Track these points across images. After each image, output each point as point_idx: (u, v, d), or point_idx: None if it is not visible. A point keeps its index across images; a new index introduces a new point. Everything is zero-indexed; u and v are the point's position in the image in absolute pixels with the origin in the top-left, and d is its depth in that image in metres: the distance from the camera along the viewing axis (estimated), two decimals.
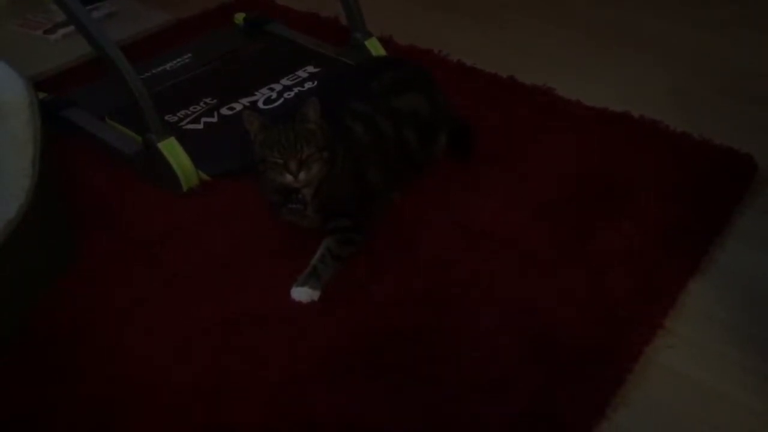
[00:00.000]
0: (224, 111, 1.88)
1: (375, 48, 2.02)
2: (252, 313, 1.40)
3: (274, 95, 1.93)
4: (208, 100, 1.92)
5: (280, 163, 1.44)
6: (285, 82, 1.98)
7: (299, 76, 2.00)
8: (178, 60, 2.13)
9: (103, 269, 1.51)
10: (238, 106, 1.89)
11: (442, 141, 1.72)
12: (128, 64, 1.63)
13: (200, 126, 1.84)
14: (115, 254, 1.54)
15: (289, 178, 1.45)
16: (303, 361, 1.32)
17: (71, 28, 2.28)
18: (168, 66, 2.10)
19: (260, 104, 1.90)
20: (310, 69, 2.02)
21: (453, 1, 2.50)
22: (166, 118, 1.83)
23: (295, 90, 1.94)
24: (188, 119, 1.86)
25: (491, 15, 2.41)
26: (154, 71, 2.06)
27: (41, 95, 1.81)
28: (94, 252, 1.54)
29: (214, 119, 1.86)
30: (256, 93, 1.94)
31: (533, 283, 1.44)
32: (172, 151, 1.66)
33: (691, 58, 2.13)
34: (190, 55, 2.15)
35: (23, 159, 1.33)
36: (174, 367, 1.31)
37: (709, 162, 1.71)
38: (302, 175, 1.44)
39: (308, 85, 1.96)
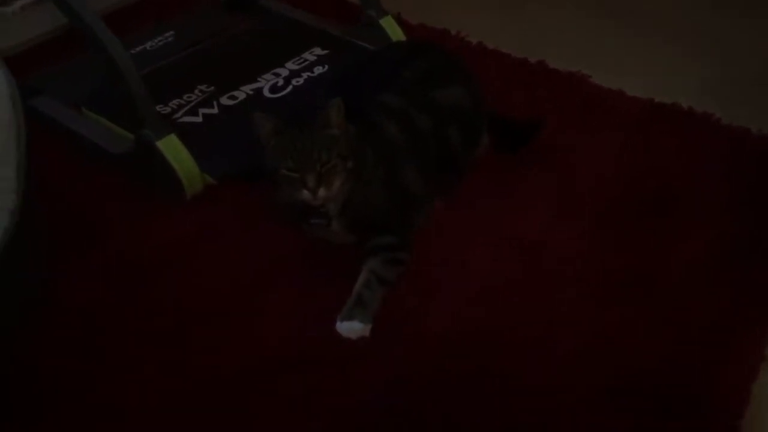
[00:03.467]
0: (225, 100, 1.63)
1: (391, 28, 1.77)
2: (278, 355, 1.19)
3: (281, 81, 1.68)
4: (204, 88, 1.66)
5: (295, 177, 1.21)
6: (291, 66, 1.72)
7: (306, 59, 1.75)
8: (159, 38, 1.86)
9: (84, 302, 1.27)
10: (240, 95, 1.64)
11: (485, 140, 1.51)
12: (114, 39, 1.36)
13: (199, 118, 1.58)
14: (98, 284, 1.30)
15: (306, 194, 1.22)
16: (349, 414, 1.11)
17: None
18: (148, 45, 1.83)
19: (266, 92, 1.65)
20: (318, 51, 1.77)
21: None
22: (156, 108, 1.56)
23: (305, 75, 1.70)
24: (183, 110, 1.60)
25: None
26: (132, 51, 1.78)
27: None
28: (72, 281, 1.29)
29: (215, 110, 1.60)
30: (260, 79, 1.68)
31: (603, 314, 1.26)
32: (174, 150, 1.41)
33: (737, 48, 1.94)
34: (172, 32, 1.87)
35: (4, 166, 1.06)
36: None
37: None
38: (322, 192, 1.21)
39: (318, 70, 1.72)
